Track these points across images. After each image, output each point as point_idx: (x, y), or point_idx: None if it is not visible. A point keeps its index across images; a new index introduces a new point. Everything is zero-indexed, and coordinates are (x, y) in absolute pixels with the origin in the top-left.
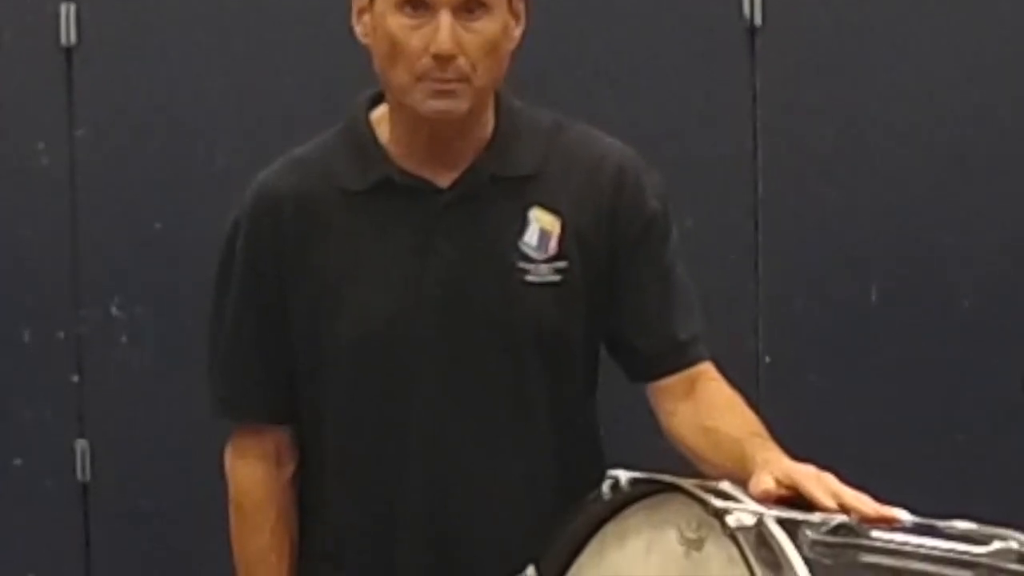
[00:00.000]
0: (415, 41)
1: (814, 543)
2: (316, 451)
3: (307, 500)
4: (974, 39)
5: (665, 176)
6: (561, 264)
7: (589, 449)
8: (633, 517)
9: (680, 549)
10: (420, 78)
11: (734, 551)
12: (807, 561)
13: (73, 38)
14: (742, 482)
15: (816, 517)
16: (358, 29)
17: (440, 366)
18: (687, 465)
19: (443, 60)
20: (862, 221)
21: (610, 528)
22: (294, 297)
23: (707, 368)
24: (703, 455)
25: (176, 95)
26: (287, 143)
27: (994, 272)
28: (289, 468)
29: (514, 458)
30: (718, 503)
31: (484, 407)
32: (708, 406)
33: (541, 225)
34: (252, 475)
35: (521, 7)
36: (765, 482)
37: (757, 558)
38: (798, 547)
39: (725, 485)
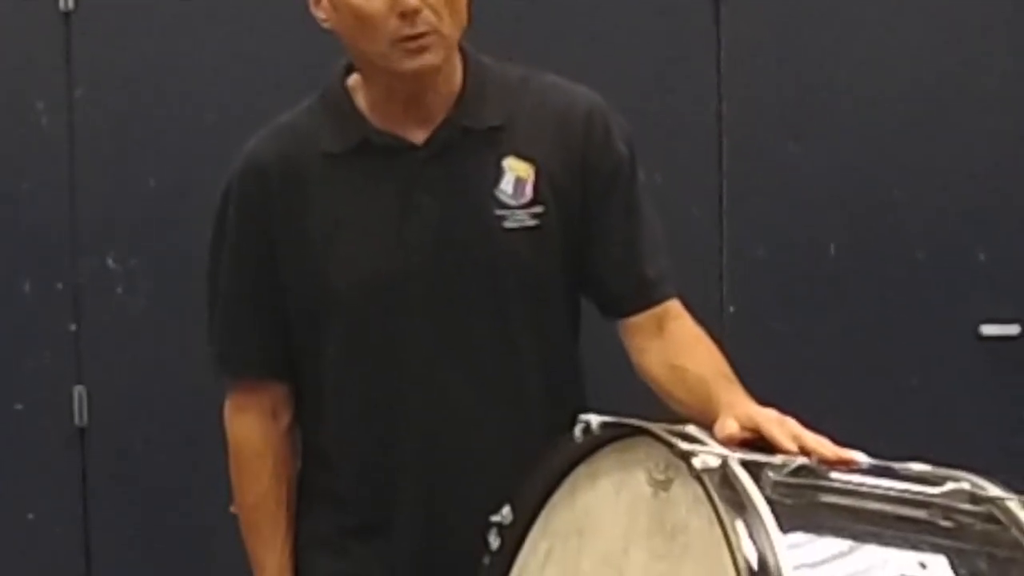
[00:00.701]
0: (378, 4)
1: (776, 484)
2: (316, 399)
3: (308, 446)
4: (930, 2)
5: (635, 134)
6: (537, 209)
7: (573, 389)
8: (604, 459)
9: (648, 490)
10: (393, 42)
11: (700, 491)
12: (769, 501)
13: (71, 3)
14: (707, 419)
15: (778, 459)
16: (319, 15)
17: (428, 313)
18: (661, 410)
19: (410, 15)
20: (821, 178)
21: (582, 470)
22: (286, 256)
23: (674, 305)
24: (671, 392)
25: (169, 59)
26: (274, 103)
27: (946, 225)
28: (284, 420)
29: (502, 398)
30: (684, 446)
31: (472, 350)
32: (676, 344)
33: (516, 173)
34: (249, 428)
35: None
36: (729, 426)
37: (722, 498)
38: (761, 488)
39: (691, 429)
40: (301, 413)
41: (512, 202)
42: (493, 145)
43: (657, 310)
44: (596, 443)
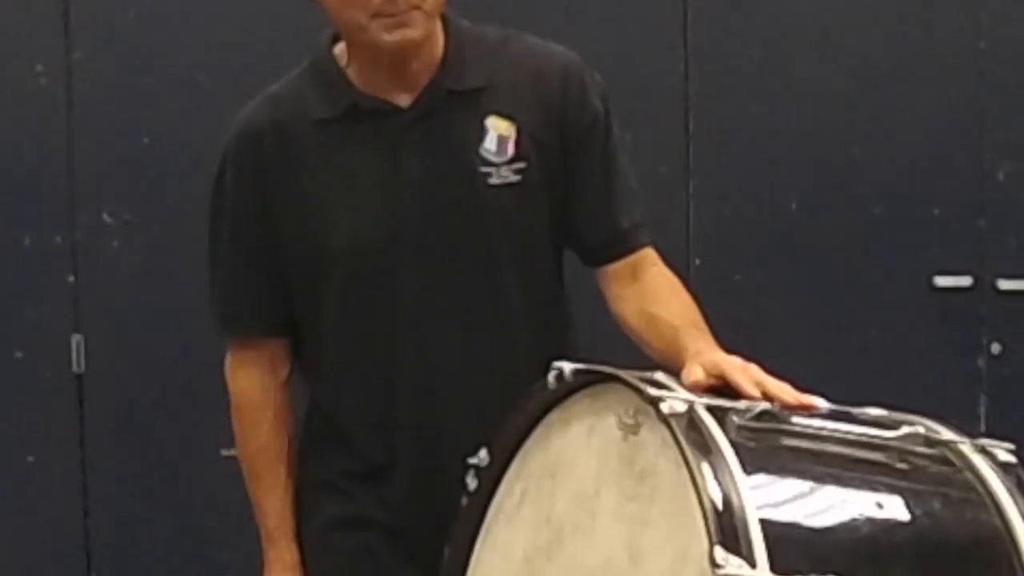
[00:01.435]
0: None
1: (740, 428)
2: (316, 352)
3: (313, 395)
4: None
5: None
6: (520, 165)
7: (561, 334)
8: (576, 405)
9: (618, 433)
10: (374, 15)
11: (667, 435)
12: (733, 444)
13: None
14: (676, 365)
15: (742, 404)
16: None
17: (420, 267)
18: (634, 358)
19: None
20: (784, 136)
21: (555, 415)
22: (282, 219)
23: (649, 253)
24: (644, 337)
25: (163, 23)
26: (263, 67)
27: (902, 183)
28: (283, 373)
29: (493, 346)
30: (653, 392)
31: (463, 301)
32: (650, 292)
33: (498, 132)
34: (249, 382)
35: None
36: (695, 372)
37: (688, 441)
38: (725, 432)
39: (659, 375)
40: (302, 365)
41: (496, 159)
42: (475, 106)
43: (632, 258)
44: (569, 389)
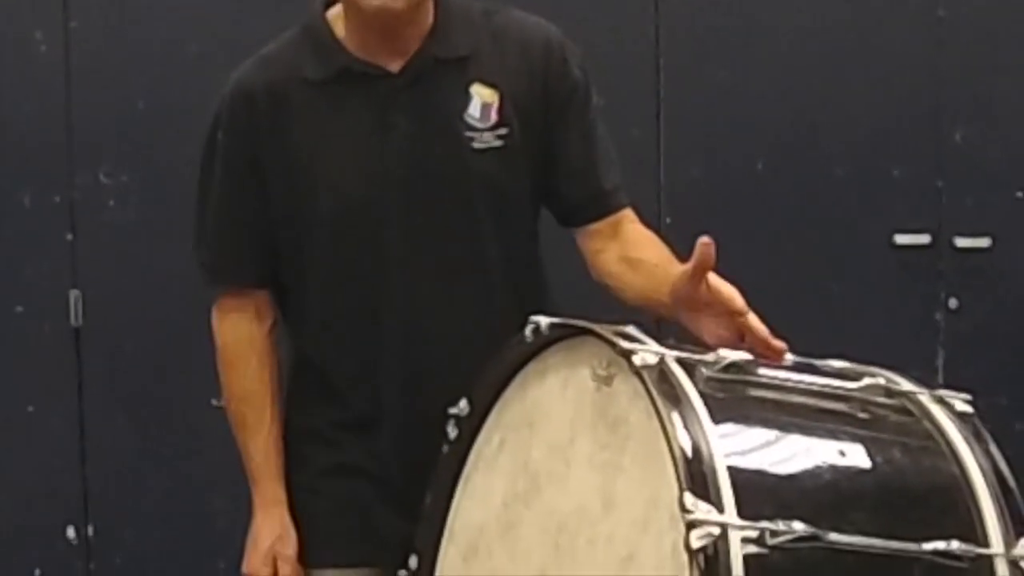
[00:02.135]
0: None
1: (708, 379)
2: (304, 305)
3: (299, 348)
4: None
5: None
6: (503, 131)
7: (537, 290)
8: (552, 357)
9: (592, 385)
10: None
11: (639, 386)
12: (702, 395)
13: None
14: (657, 297)
15: (710, 357)
16: None
17: (405, 225)
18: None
19: None
20: (750, 102)
21: (532, 367)
22: (273, 176)
23: (628, 213)
24: (625, 281)
25: None
26: (252, 33)
27: (864, 145)
28: (267, 322)
29: (474, 301)
30: (625, 345)
31: (445, 258)
32: (631, 242)
33: (482, 99)
34: (234, 330)
35: None
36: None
37: (659, 392)
38: (694, 383)
39: (631, 329)
40: (288, 320)
41: (480, 125)
42: (461, 73)
43: (613, 217)
44: (545, 342)
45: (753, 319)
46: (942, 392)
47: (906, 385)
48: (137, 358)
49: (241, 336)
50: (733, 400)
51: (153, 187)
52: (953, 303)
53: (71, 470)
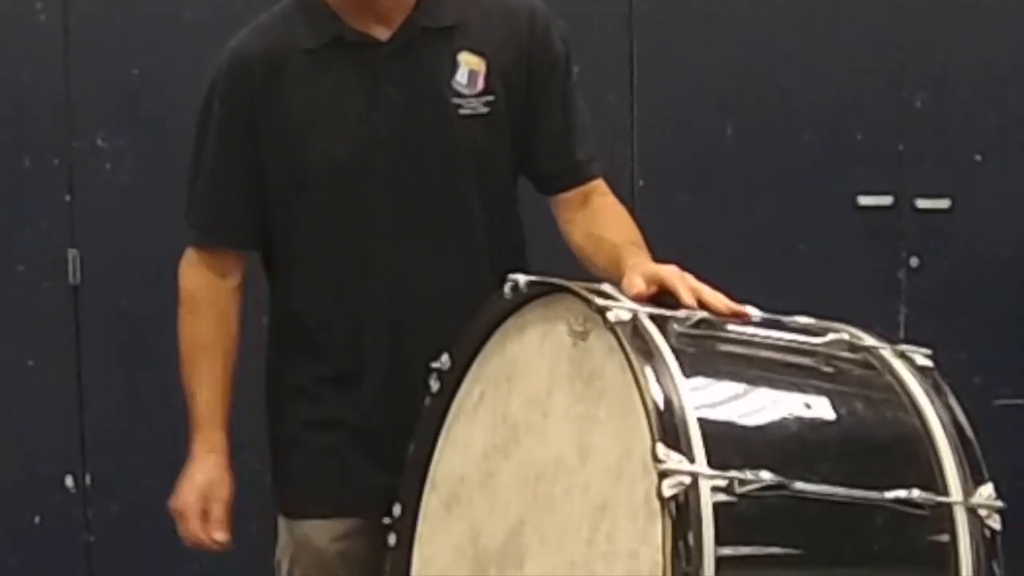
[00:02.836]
0: None
1: (679, 335)
2: (291, 264)
3: (284, 306)
4: None
5: None
6: (489, 98)
7: (516, 249)
8: (530, 313)
9: (569, 340)
10: None
11: (613, 341)
12: (674, 350)
13: None
14: (617, 279)
15: (681, 313)
16: None
17: (393, 187)
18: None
19: None
20: (720, 68)
21: (511, 323)
22: (267, 140)
23: (600, 184)
24: (589, 256)
25: None
26: (246, 0)
27: (829, 110)
28: (232, 281)
29: (457, 260)
30: (600, 301)
31: (431, 219)
32: (597, 216)
33: (469, 67)
34: (200, 279)
35: None
36: (637, 283)
37: (632, 347)
38: (666, 338)
39: (606, 287)
40: (278, 276)
41: (467, 91)
42: (449, 42)
43: (584, 188)
44: (523, 299)
45: (708, 294)
46: (903, 347)
47: (869, 340)
48: (132, 314)
49: (205, 285)
50: (703, 355)
51: (149, 150)
52: (914, 262)
53: (69, 422)
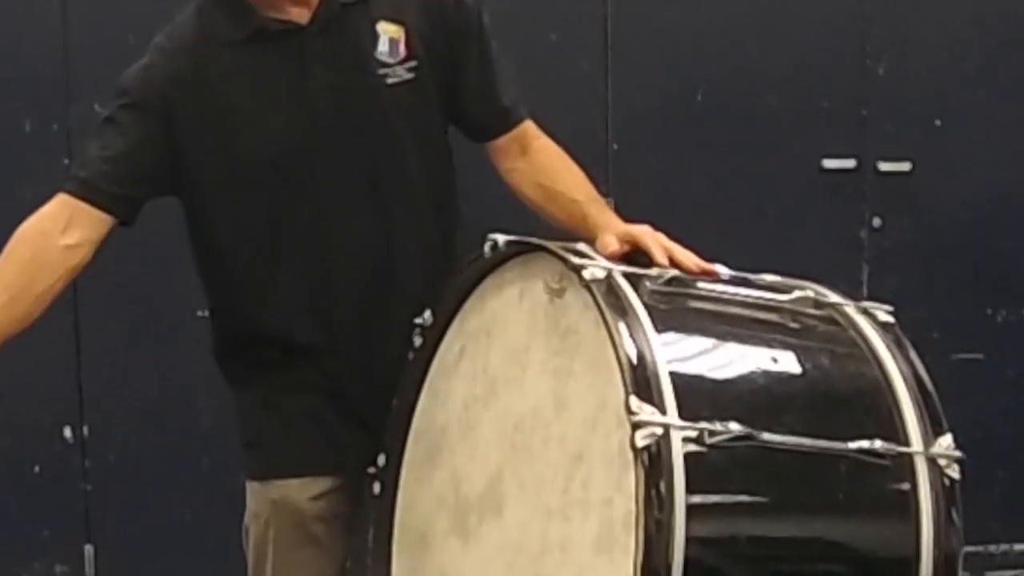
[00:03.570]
0: None
1: (652, 292)
2: (253, 253)
3: (255, 297)
4: None
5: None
6: (412, 63)
7: (453, 202)
8: (508, 271)
9: (546, 297)
10: None
11: (589, 298)
12: (646, 307)
13: None
14: (581, 235)
15: (654, 272)
16: None
17: (338, 164)
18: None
19: None
20: (691, 37)
21: (490, 281)
22: (197, 140)
23: (530, 126)
24: (545, 209)
25: None
26: None
27: (795, 76)
28: (69, 239)
29: (405, 220)
30: (576, 260)
31: (377, 187)
32: (542, 165)
33: (389, 35)
34: (32, 223)
35: None
36: (611, 243)
37: (607, 304)
38: (639, 295)
39: (582, 246)
40: (228, 277)
41: (390, 60)
42: (366, 14)
43: (516, 132)
44: (502, 258)
45: (679, 252)
46: (866, 304)
47: (833, 297)
48: (128, 273)
49: (32, 227)
50: (675, 311)
51: None
52: (876, 222)
53: (68, 375)
